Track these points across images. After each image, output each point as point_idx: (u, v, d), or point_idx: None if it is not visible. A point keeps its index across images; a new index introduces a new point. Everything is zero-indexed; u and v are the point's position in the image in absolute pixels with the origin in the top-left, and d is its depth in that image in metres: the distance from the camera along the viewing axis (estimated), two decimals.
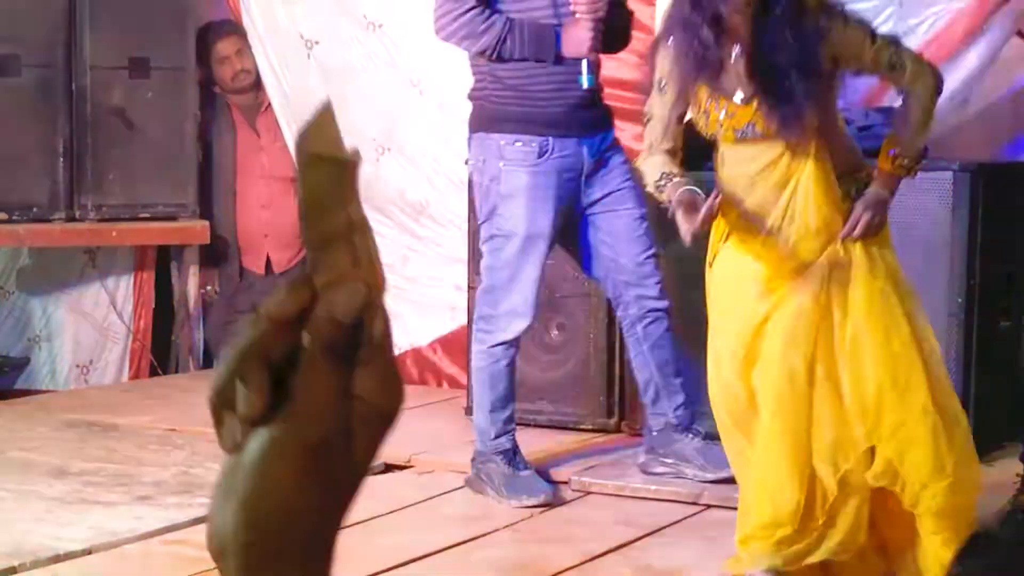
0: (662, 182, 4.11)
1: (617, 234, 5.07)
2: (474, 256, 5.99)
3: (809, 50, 3.92)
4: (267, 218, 7.26)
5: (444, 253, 6.71)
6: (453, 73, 6.63)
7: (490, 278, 5.10)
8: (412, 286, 6.79)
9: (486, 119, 5.08)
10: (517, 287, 5.02)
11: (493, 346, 5.08)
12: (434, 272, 6.76)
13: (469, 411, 6.00)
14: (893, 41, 4.07)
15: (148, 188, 6.95)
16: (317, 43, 6.96)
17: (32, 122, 6.67)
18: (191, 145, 7.02)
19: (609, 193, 5.07)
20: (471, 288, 6.02)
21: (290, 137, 7.03)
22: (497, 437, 5.08)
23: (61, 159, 6.72)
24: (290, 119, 7.02)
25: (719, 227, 4.11)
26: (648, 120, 4.20)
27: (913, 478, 3.88)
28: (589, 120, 5.05)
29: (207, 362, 7.36)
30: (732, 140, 4.05)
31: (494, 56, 4.98)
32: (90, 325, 7.11)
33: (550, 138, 4.97)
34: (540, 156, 4.94)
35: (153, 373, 7.19)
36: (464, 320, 6.15)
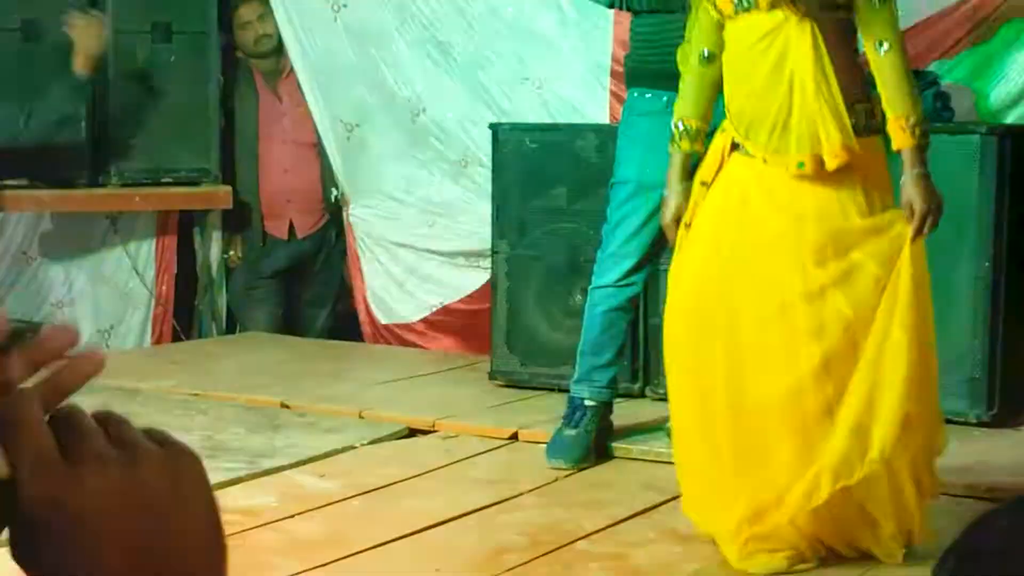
0: (679, 136, 4.16)
1: None
2: (499, 217, 5.97)
3: None
4: (289, 183, 7.24)
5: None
6: (484, 33, 6.63)
7: (605, 223, 5.03)
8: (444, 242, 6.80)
9: (628, 75, 5.09)
10: (622, 232, 4.92)
11: (594, 288, 5.03)
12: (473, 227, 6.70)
13: (493, 375, 6.00)
14: None
15: (170, 153, 6.94)
16: (344, 6, 6.93)
17: (54, 87, 6.65)
18: (213, 110, 7.01)
19: None
20: (494, 253, 6.00)
21: (314, 102, 7.01)
22: (578, 382, 5.07)
23: (83, 124, 6.70)
24: (313, 84, 7.00)
25: (720, 138, 4.06)
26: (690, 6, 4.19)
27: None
28: None
29: (230, 327, 7.37)
30: (731, 11, 3.97)
31: (623, 6, 4.97)
32: (112, 290, 7.11)
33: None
34: (666, 109, 4.57)
35: (176, 338, 7.20)
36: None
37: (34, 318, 6.75)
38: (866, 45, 4.02)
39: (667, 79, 4.53)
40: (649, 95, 4.89)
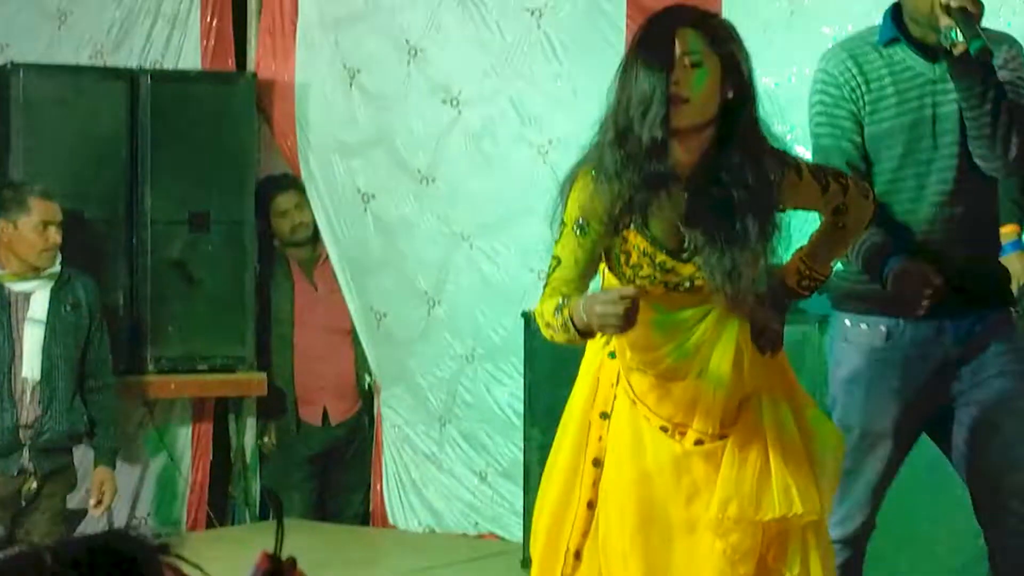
0: (559, 310, 3.48)
1: (984, 434, 4.19)
2: (530, 408, 6.01)
3: (766, 194, 3.57)
4: (324, 369, 7.30)
5: (494, 405, 6.78)
6: (503, 227, 6.73)
7: None
8: (459, 440, 6.86)
9: (836, 296, 4.36)
10: (851, 484, 4.16)
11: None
12: (485, 426, 6.79)
13: (525, 563, 5.98)
14: (839, 179, 3.78)
15: (207, 340, 7.00)
16: (373, 197, 7.06)
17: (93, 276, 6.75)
18: (250, 298, 7.09)
19: (979, 384, 4.20)
20: (527, 441, 6.03)
21: (347, 290, 7.11)
22: None
23: (120, 312, 6.79)
24: (345, 272, 7.11)
25: (609, 366, 3.77)
26: (556, 264, 3.59)
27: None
28: (954, 298, 4.10)
29: (264, 514, 7.37)
30: (659, 293, 3.64)
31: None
32: (149, 477, 7.14)
33: (901, 320, 4.16)
34: (886, 340, 4.15)
35: (210, 525, 7.20)
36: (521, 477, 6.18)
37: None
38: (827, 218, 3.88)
39: (884, 303, 4.13)
40: (864, 324, 4.22)
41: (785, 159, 3.67)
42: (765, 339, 3.77)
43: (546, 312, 3.52)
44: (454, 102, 6.84)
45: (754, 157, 3.57)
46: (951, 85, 4.06)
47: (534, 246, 6.48)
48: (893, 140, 4.15)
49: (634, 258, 3.61)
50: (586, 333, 3.48)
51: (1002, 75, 4.05)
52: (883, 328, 4.17)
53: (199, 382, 7.05)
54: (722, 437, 3.72)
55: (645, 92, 3.48)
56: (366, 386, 7.28)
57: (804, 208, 3.82)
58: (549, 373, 5.95)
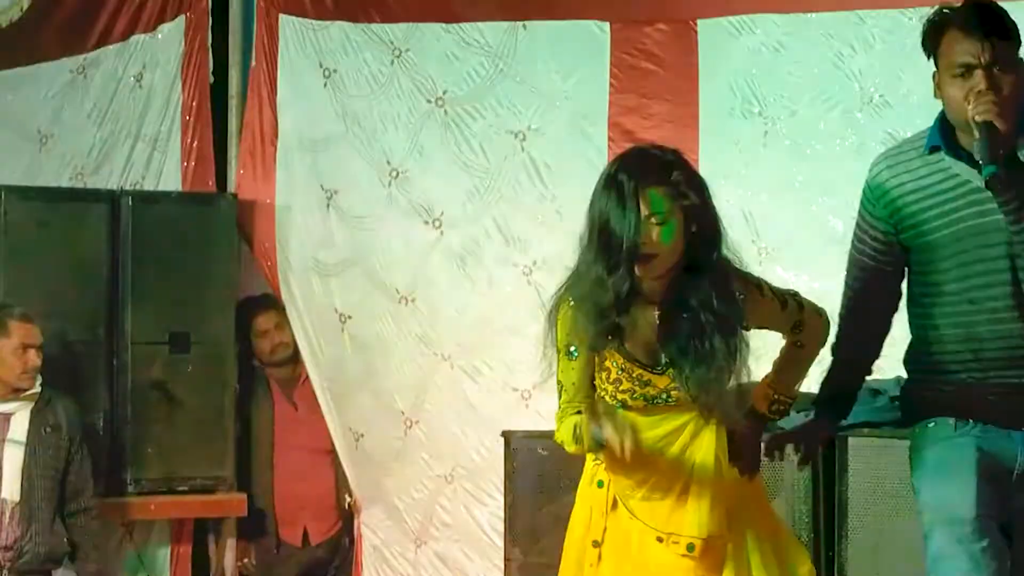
0: (577, 427, 3.84)
1: None
2: (511, 528, 5.99)
3: (732, 314, 3.83)
4: (304, 490, 7.28)
5: (474, 525, 6.75)
6: (484, 345, 6.75)
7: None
8: (437, 561, 6.83)
9: (905, 408, 4.31)
10: None
11: None
12: (464, 546, 6.78)
13: None
14: (795, 297, 3.99)
15: (186, 461, 6.98)
16: (350, 317, 7.08)
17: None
18: (230, 418, 7.08)
19: None
20: (507, 560, 6.00)
21: (327, 409, 7.11)
22: None
23: (100, 433, 6.77)
24: (326, 392, 7.12)
25: (597, 495, 3.99)
26: (561, 390, 3.93)
27: None
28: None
29: None
30: (640, 407, 3.88)
31: None
32: None
33: (969, 420, 3.96)
34: (955, 430, 3.95)
35: None
36: None
37: None
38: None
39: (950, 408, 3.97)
40: (933, 423, 4.02)
41: (748, 279, 3.92)
42: (743, 463, 3.99)
43: (565, 435, 3.89)
44: (436, 223, 6.88)
45: (720, 283, 3.84)
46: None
47: (517, 365, 6.52)
48: (940, 253, 3.90)
49: (613, 374, 3.87)
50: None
51: None
52: (951, 421, 3.95)
53: (179, 503, 7.02)
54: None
55: (612, 249, 3.77)
56: (346, 506, 7.26)
57: (766, 326, 3.99)
58: (530, 492, 5.93)
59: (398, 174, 6.97)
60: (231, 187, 7.38)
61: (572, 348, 3.90)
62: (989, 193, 3.76)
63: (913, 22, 5.64)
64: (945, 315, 3.95)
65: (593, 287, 3.80)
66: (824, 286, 6.03)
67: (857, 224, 4.11)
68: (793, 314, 3.97)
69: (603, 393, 3.90)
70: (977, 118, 3.67)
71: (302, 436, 7.31)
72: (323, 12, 7.16)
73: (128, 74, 7.51)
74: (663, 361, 3.85)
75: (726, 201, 6.20)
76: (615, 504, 3.98)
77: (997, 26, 3.75)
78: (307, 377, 7.25)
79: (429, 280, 6.89)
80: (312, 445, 7.30)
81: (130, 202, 6.92)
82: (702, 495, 3.89)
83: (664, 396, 3.87)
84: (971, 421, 3.91)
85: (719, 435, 3.92)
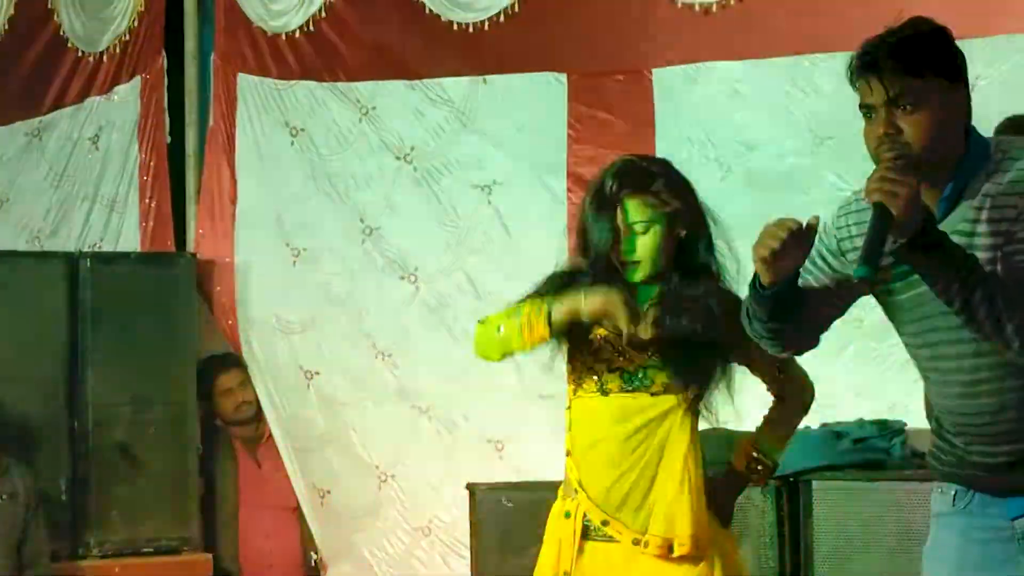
0: (531, 312, 4.06)
1: None
2: None
3: (715, 323, 3.96)
4: (270, 548, 7.24)
5: None
6: (460, 398, 6.75)
7: None
8: None
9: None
10: None
11: None
12: None
13: None
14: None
15: (151, 523, 6.94)
16: (317, 373, 7.07)
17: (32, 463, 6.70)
18: (194, 478, 7.04)
19: None
20: None
21: (291, 467, 7.08)
22: None
23: (63, 496, 6.73)
24: (290, 449, 7.09)
25: (565, 526, 4.07)
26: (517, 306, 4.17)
27: None
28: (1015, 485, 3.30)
29: None
30: (615, 388, 4.02)
31: None
32: None
33: (972, 490, 3.34)
34: (952, 505, 3.37)
35: None
36: None
37: None
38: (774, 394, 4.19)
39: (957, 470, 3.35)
40: (940, 489, 3.41)
41: (731, 296, 4.00)
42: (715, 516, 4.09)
43: (508, 324, 4.05)
44: (412, 278, 6.90)
45: (713, 284, 4.04)
46: None
47: (493, 418, 6.54)
48: (904, 316, 3.28)
49: (596, 344, 4.03)
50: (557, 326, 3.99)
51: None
52: (952, 492, 3.34)
53: (144, 565, 6.97)
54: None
55: (591, 253, 4.03)
56: (312, 563, 7.22)
57: (747, 360, 4.05)
58: (496, 544, 5.91)
59: (372, 231, 6.98)
60: (190, 246, 7.37)
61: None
62: None
63: None
64: (926, 380, 3.39)
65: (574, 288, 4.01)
66: None
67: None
68: (777, 360, 4.00)
69: (580, 370, 4.07)
70: (871, 184, 3.01)
71: (267, 494, 7.28)
72: (286, 72, 7.19)
73: (84, 136, 7.52)
74: (645, 340, 3.98)
75: None
76: (586, 533, 4.04)
77: (905, 59, 3.09)
78: (270, 435, 7.22)
79: (406, 334, 6.90)
80: (277, 503, 7.27)
81: (88, 263, 6.89)
82: (672, 492, 3.97)
83: (640, 375, 3.99)
84: (970, 491, 3.30)
85: (694, 428, 4.03)
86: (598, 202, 4.04)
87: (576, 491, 4.07)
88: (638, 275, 4.02)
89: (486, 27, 6.72)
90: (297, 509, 7.22)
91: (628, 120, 6.47)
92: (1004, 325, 3.02)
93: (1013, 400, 3.17)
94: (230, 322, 7.26)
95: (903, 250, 3.03)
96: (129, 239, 7.39)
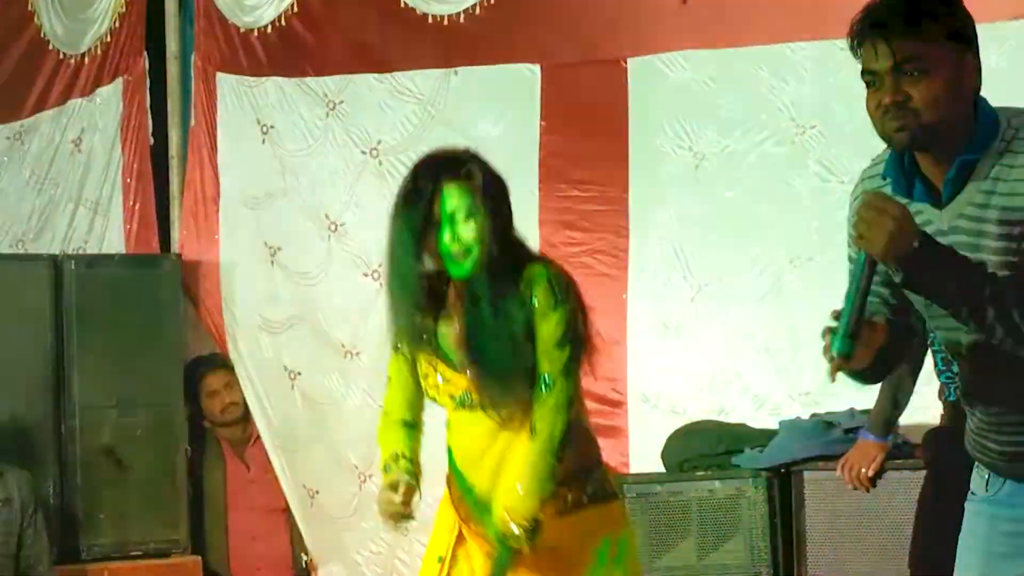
0: (391, 463, 4.05)
1: None
2: None
3: (521, 325, 3.83)
4: (259, 550, 7.22)
5: None
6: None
7: None
8: None
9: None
10: None
11: None
12: None
13: None
14: (576, 360, 3.91)
15: (139, 526, 6.92)
16: (299, 373, 7.05)
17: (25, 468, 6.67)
18: (182, 481, 7.02)
19: None
20: None
21: (279, 468, 7.06)
22: None
23: (51, 501, 6.70)
24: (278, 450, 7.07)
25: (447, 518, 4.05)
26: (387, 380, 4.16)
27: None
28: None
29: None
30: (452, 407, 3.97)
31: None
32: None
33: (1002, 476, 3.21)
34: (985, 490, 3.23)
35: None
36: None
37: None
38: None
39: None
40: (977, 470, 3.28)
41: (553, 289, 3.85)
42: None
43: (382, 451, 4.09)
44: (375, 275, 6.85)
45: (505, 289, 3.84)
46: (963, 238, 2.94)
47: None
48: (912, 297, 3.07)
49: (423, 368, 3.97)
50: None
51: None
52: (986, 476, 3.20)
53: (133, 568, 6.95)
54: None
55: (416, 249, 3.87)
56: (303, 564, 7.20)
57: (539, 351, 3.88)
58: None
59: (336, 227, 6.95)
60: (175, 248, 7.34)
61: (398, 347, 4.06)
62: (955, 237, 2.93)
63: (843, 51, 5.65)
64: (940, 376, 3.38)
65: (401, 290, 3.94)
66: (756, 320, 6.06)
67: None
68: (562, 358, 3.86)
69: (423, 387, 4.01)
70: (856, 228, 2.85)
71: (255, 496, 7.26)
72: (258, 68, 7.16)
73: (66, 139, 7.49)
74: (462, 362, 3.89)
75: (657, 237, 6.28)
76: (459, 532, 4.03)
77: (914, 20, 2.92)
78: (258, 436, 7.20)
79: (371, 333, 6.86)
80: (266, 504, 7.25)
81: (73, 266, 6.86)
82: (502, 490, 3.88)
83: (468, 399, 3.92)
84: (1001, 477, 3.16)
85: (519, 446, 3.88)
86: (417, 194, 3.87)
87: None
88: (466, 267, 3.85)
89: (461, 19, 6.69)
90: (286, 510, 7.19)
91: (602, 110, 6.43)
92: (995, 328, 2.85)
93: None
94: (215, 323, 7.24)
95: (903, 281, 2.87)
96: (113, 241, 7.37)
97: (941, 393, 4.81)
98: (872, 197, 2.86)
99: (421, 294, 3.90)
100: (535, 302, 3.83)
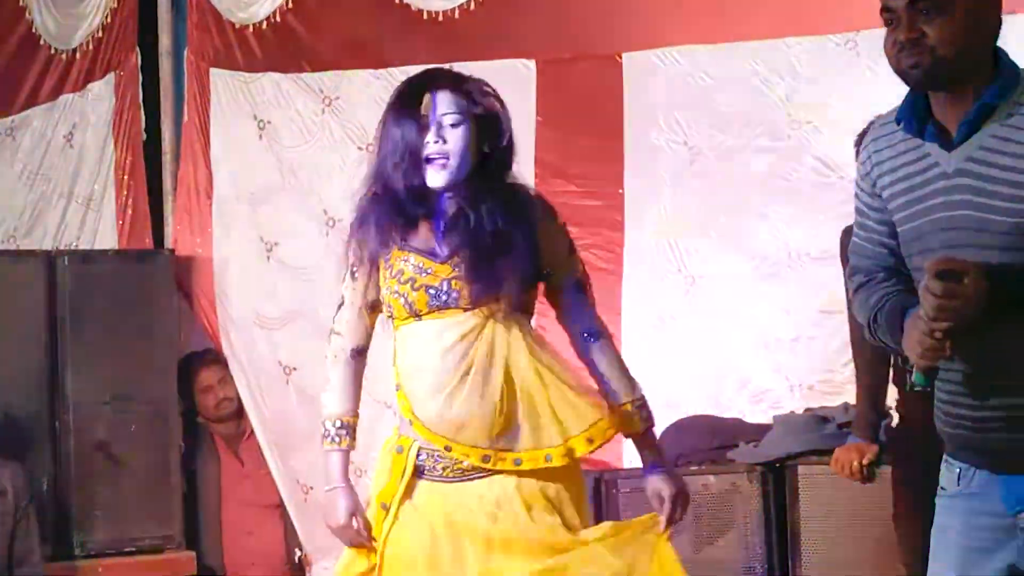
0: (333, 431, 4.15)
1: None
2: None
3: (520, 223, 3.82)
4: (253, 545, 7.22)
5: None
6: None
7: None
8: None
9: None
10: None
11: None
12: None
13: None
14: (584, 270, 3.97)
15: (133, 521, 6.91)
16: (295, 369, 7.04)
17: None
18: (176, 476, 7.01)
19: None
20: None
21: (273, 463, 7.05)
22: None
23: (45, 497, 6.70)
24: (272, 446, 7.06)
25: (396, 460, 3.98)
26: (339, 306, 4.13)
27: None
28: (1010, 447, 3.06)
29: None
30: (424, 307, 3.83)
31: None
32: None
33: (971, 465, 3.15)
34: (956, 485, 3.17)
35: None
36: None
37: None
38: (574, 340, 3.98)
39: (953, 444, 3.16)
40: (946, 464, 3.22)
41: (547, 207, 3.92)
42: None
43: (328, 400, 4.18)
44: None
45: (512, 199, 3.85)
46: (967, 181, 2.97)
47: None
48: (910, 248, 3.11)
49: (396, 267, 3.86)
50: None
51: None
52: (957, 470, 3.16)
53: (127, 564, 6.94)
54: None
55: (403, 148, 3.84)
56: (297, 560, 7.20)
57: (551, 266, 3.90)
58: None
59: (335, 223, 6.95)
60: (168, 243, 7.34)
61: (355, 269, 4.01)
62: (960, 180, 2.97)
63: (838, 47, 5.67)
64: None
65: (386, 188, 3.87)
66: (751, 315, 6.06)
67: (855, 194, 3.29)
68: (577, 267, 3.94)
69: (388, 295, 3.90)
70: (931, 285, 2.85)
71: (249, 491, 7.26)
72: (254, 64, 7.16)
73: (58, 134, 7.49)
74: (446, 252, 3.83)
75: (653, 232, 6.29)
76: (420, 472, 3.93)
77: None
78: (252, 432, 7.20)
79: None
80: (260, 500, 7.25)
81: (66, 262, 6.85)
82: (531, 402, 3.79)
83: (446, 290, 3.80)
84: (971, 466, 3.13)
85: (523, 329, 3.83)
86: (407, 102, 3.89)
87: (411, 422, 3.94)
88: (443, 176, 3.82)
89: (456, 15, 6.69)
90: (280, 506, 7.20)
91: (597, 105, 6.44)
92: None
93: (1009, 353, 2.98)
94: (209, 318, 7.24)
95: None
96: (106, 237, 7.36)
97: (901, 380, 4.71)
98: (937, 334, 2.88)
99: (403, 197, 3.86)
100: (534, 213, 3.87)
